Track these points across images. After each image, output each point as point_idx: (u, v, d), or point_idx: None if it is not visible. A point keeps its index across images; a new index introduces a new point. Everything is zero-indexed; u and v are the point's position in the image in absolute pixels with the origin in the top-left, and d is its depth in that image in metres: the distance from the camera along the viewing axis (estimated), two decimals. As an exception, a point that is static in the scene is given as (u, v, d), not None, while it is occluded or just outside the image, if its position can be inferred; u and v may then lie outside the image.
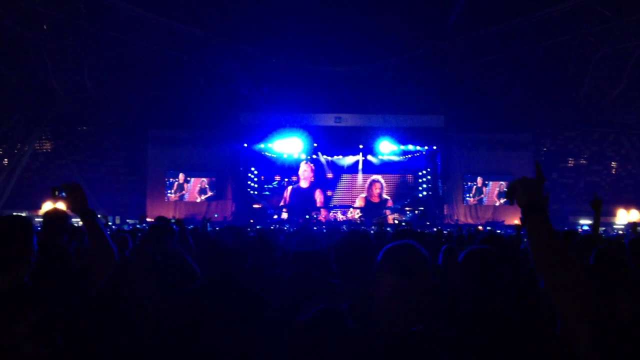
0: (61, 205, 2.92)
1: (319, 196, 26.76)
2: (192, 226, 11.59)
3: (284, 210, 25.96)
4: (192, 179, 26.20)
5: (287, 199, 26.67)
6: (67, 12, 18.69)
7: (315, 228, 16.85)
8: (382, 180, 27.01)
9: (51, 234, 4.26)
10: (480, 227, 21.93)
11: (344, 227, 19.72)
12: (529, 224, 1.92)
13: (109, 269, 2.69)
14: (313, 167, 26.85)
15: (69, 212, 2.96)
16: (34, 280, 2.47)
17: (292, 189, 26.82)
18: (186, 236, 6.14)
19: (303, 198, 26.56)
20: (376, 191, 26.88)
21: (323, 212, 25.91)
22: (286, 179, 26.88)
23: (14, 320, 2.28)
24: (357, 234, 3.00)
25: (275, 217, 25.32)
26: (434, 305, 1.99)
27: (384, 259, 1.96)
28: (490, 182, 26.32)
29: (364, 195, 26.85)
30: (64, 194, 2.66)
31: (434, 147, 26.09)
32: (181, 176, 26.06)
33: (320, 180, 26.83)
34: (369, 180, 26.91)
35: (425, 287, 1.90)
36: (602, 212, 5.64)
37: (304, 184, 26.87)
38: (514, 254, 5.18)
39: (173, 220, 7.35)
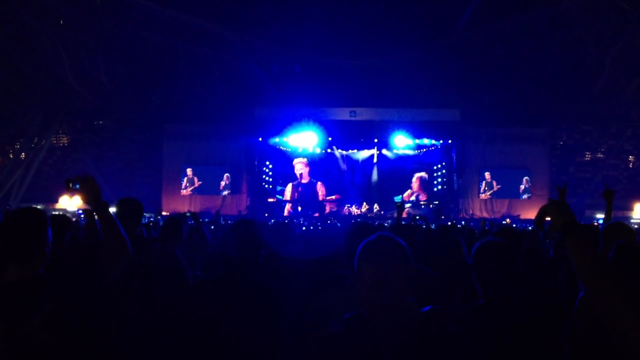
0: (75, 198, 2.95)
1: (320, 189, 26.83)
2: (207, 219, 11.65)
3: (289, 205, 26.25)
4: (225, 175, 26.20)
5: (291, 196, 26.79)
6: (83, 7, 18.85)
7: (329, 222, 16.91)
8: (425, 175, 27.03)
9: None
10: (508, 220, 21.75)
11: (359, 220, 19.72)
12: (570, 242, 2.07)
13: (123, 261, 2.71)
14: (306, 162, 26.87)
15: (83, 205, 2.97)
16: (49, 272, 2.50)
17: (293, 186, 26.91)
18: (202, 229, 6.19)
19: (307, 193, 26.70)
20: (416, 186, 26.96)
21: (328, 205, 25.92)
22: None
23: (29, 311, 2.31)
24: (367, 226, 3.02)
25: (291, 211, 25.48)
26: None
27: (362, 252, 2.03)
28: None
29: (410, 190, 26.95)
30: (77, 186, 2.68)
31: (449, 141, 25.92)
32: (189, 171, 26.06)
33: (333, 173, 26.79)
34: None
35: (405, 274, 1.96)
36: (619, 206, 5.61)
37: (303, 179, 26.94)
38: (532, 248, 5.13)
39: (188, 214, 7.39)
